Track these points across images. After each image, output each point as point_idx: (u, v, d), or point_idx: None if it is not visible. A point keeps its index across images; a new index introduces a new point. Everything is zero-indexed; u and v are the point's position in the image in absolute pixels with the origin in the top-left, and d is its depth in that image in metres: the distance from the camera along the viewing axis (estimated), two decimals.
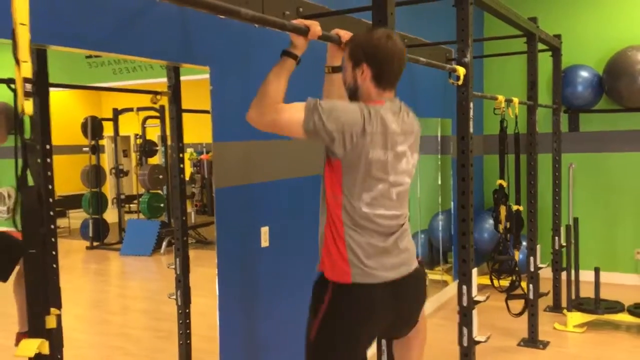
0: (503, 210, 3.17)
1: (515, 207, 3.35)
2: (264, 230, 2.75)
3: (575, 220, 4.08)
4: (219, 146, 2.52)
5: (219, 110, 2.51)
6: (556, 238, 4.32)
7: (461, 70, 2.57)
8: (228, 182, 2.56)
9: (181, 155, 2.74)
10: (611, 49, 4.84)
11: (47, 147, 2.01)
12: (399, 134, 1.74)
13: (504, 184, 3.19)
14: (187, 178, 4.95)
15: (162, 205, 5.35)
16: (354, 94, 1.80)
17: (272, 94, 1.65)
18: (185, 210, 2.72)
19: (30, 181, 0.96)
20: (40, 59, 1.96)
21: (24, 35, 0.92)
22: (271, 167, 2.83)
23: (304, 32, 1.66)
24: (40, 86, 1.95)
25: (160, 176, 5.40)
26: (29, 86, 0.92)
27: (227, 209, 2.54)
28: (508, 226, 3.26)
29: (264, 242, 2.75)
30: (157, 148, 5.52)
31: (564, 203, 4.64)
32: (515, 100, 3.34)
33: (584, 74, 4.87)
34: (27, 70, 0.92)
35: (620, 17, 4.93)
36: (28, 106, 0.91)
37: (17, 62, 0.91)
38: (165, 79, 2.64)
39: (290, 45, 1.71)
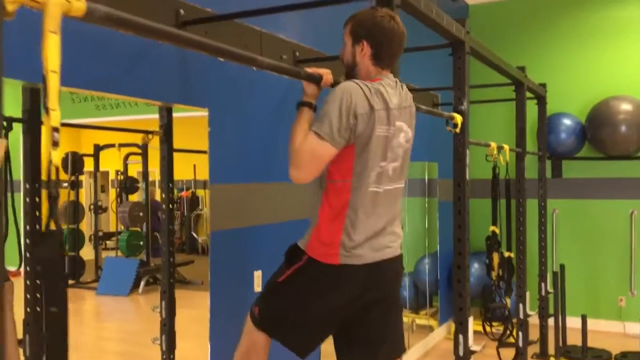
0: (496, 257, 3.17)
1: (507, 254, 3.35)
2: (257, 274, 2.70)
3: (562, 267, 4.10)
4: (216, 188, 2.48)
5: (216, 152, 2.48)
6: (542, 284, 4.32)
7: (458, 118, 2.59)
8: (223, 225, 2.51)
9: (171, 195, 2.70)
10: (594, 98, 4.96)
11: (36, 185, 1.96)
12: (397, 108, 1.75)
13: (497, 230, 3.19)
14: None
15: (141, 243, 5.24)
16: (351, 71, 1.80)
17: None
18: (173, 251, 2.66)
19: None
20: (33, 97, 1.93)
21: (54, 82, 0.88)
22: (266, 210, 2.80)
23: (317, 80, 1.66)
24: (32, 125, 1.92)
25: (141, 213, 5.31)
26: (57, 136, 0.88)
27: (221, 252, 2.49)
28: (500, 273, 3.26)
29: (257, 287, 2.69)
30: (139, 185, 5.44)
31: (548, 249, 4.67)
32: (506, 147, 3.38)
33: (567, 121, 4.97)
34: (56, 119, 0.88)
35: (603, 68, 5.07)
36: (55, 156, 0.87)
37: (47, 110, 0.87)
38: (148, 116, 2.61)
39: (304, 94, 1.72)
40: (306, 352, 1.85)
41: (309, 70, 1.69)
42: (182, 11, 2.20)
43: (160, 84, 2.21)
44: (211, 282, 2.44)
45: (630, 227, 4.96)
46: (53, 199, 0.87)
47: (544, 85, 4.41)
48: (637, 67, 4.96)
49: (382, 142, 1.70)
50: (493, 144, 3.15)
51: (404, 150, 1.81)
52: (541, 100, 4.44)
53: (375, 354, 1.89)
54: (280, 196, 2.87)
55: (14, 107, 1.83)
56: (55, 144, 0.87)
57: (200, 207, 5.18)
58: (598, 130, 4.80)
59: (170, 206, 2.68)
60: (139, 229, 5.23)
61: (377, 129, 1.67)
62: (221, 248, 2.49)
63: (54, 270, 0.86)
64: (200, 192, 4.97)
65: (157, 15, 2.06)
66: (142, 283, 4.37)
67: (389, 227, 1.81)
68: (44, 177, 0.84)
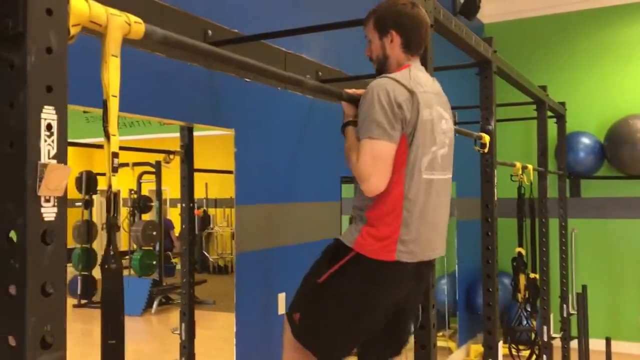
0: (522, 279, 3.12)
1: (532, 276, 3.30)
2: (281, 297, 2.65)
3: (584, 287, 4.03)
4: (242, 209, 2.45)
5: (242, 173, 2.45)
6: (564, 306, 4.25)
7: (486, 138, 2.56)
8: (249, 247, 2.48)
9: (192, 214, 2.68)
10: (612, 117, 4.92)
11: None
12: (433, 92, 1.71)
13: (523, 252, 3.14)
14: (177, 234, 4.85)
15: (154, 262, 5.20)
16: (383, 65, 1.76)
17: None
18: (193, 272, 2.63)
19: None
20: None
21: (115, 107, 0.85)
22: (289, 231, 2.76)
23: (357, 101, 1.64)
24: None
25: (154, 232, 5.28)
26: (116, 161, 0.85)
27: (246, 274, 2.45)
28: (527, 295, 3.20)
29: (281, 309, 2.64)
30: (152, 204, 5.42)
31: (568, 269, 4.60)
32: (530, 167, 3.34)
33: (586, 140, 4.93)
34: (115, 144, 0.85)
35: (621, 86, 5.04)
36: (115, 183, 0.84)
37: (107, 136, 0.84)
38: (162, 135, 2.59)
39: (345, 116, 1.70)
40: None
41: (349, 91, 1.66)
42: (209, 32, 2.19)
43: (189, 105, 2.20)
44: (237, 305, 2.40)
45: None
46: (114, 230, 0.85)
47: (563, 104, 4.38)
48: None
49: (429, 125, 1.65)
50: (518, 164, 3.11)
51: (449, 138, 1.76)
52: (561, 119, 4.40)
53: (397, 350, 1.87)
54: (303, 216, 2.84)
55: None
56: (114, 169, 0.84)
57: (211, 225, 5.15)
58: (617, 148, 4.76)
59: (191, 225, 2.65)
60: (151, 248, 5.21)
61: (423, 112, 1.62)
62: (246, 270, 2.45)
63: (116, 304, 0.83)
64: (211, 211, 4.94)
65: (186, 35, 2.04)
66: (155, 303, 4.32)
67: (442, 224, 1.75)
68: (107, 208, 0.81)
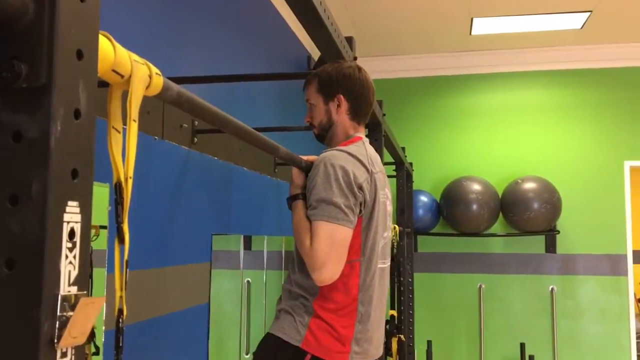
0: (395, 342, 3.08)
1: (402, 338, 3.29)
2: None
3: (429, 343, 4.16)
4: (111, 279, 2.07)
5: (114, 234, 2.08)
6: None
7: None
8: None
9: None
10: (448, 178, 5.27)
11: None
12: (382, 172, 1.58)
13: (395, 314, 3.12)
14: None
15: None
16: (326, 132, 1.60)
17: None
18: None
19: None
20: None
21: (129, 192, 0.59)
22: (160, 300, 2.42)
23: (308, 169, 1.45)
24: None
25: None
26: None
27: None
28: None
29: None
30: None
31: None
32: (396, 227, 3.38)
33: (424, 198, 5.20)
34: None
35: (456, 150, 5.44)
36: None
37: (122, 236, 0.57)
38: None
39: (294, 186, 1.48)
40: None
41: (305, 158, 1.47)
42: None
43: None
44: None
45: (479, 301, 5.26)
46: None
47: (411, 164, 4.59)
48: (483, 150, 5.41)
49: (383, 209, 1.51)
50: (395, 226, 3.13)
51: (390, 220, 1.63)
52: (409, 179, 4.59)
53: None
54: (175, 282, 2.52)
55: None
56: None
57: None
58: (452, 207, 5.08)
59: None
60: None
61: (379, 194, 1.48)
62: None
63: None
64: None
65: None
66: None
67: (384, 318, 1.60)
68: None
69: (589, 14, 4.38)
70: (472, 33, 4.84)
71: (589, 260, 5.15)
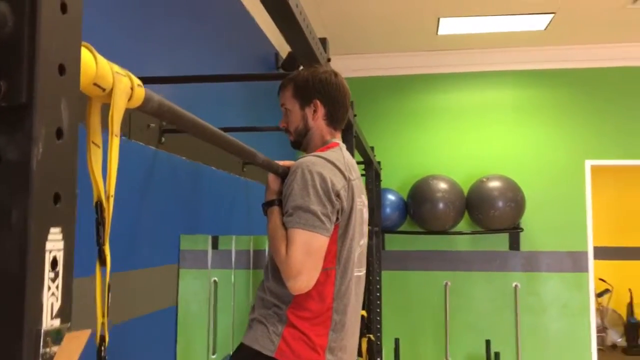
0: (365, 343, 3.08)
1: (372, 337, 3.29)
2: None
3: (397, 340, 4.18)
4: (78, 284, 2.01)
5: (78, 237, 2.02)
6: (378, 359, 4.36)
7: None
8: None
9: None
10: (415, 176, 5.31)
11: None
12: (359, 178, 1.57)
13: (365, 314, 3.11)
14: None
15: None
16: (302, 137, 1.57)
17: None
18: None
19: None
20: None
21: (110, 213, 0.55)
22: (126, 304, 2.36)
23: (285, 175, 1.42)
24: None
25: None
26: None
27: None
28: None
29: None
30: None
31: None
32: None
33: (391, 197, 5.22)
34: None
35: (423, 148, 5.47)
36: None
37: (103, 259, 0.53)
38: None
39: (270, 192, 1.44)
40: None
41: (282, 163, 1.44)
42: None
43: None
44: None
45: (445, 298, 5.31)
46: None
47: (379, 163, 4.60)
48: (449, 149, 5.46)
49: (359, 216, 1.49)
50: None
51: (366, 227, 1.62)
52: (377, 178, 4.60)
53: None
54: (142, 285, 2.46)
55: None
56: None
57: None
58: (418, 206, 5.11)
59: None
60: None
61: (356, 202, 1.46)
62: None
63: None
64: None
65: None
66: None
67: (358, 327, 1.59)
68: None
69: (552, 15, 4.46)
70: (439, 33, 4.87)
71: (551, 257, 5.25)
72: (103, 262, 0.54)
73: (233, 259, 3.84)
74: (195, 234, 2.97)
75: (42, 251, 0.43)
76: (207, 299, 3.22)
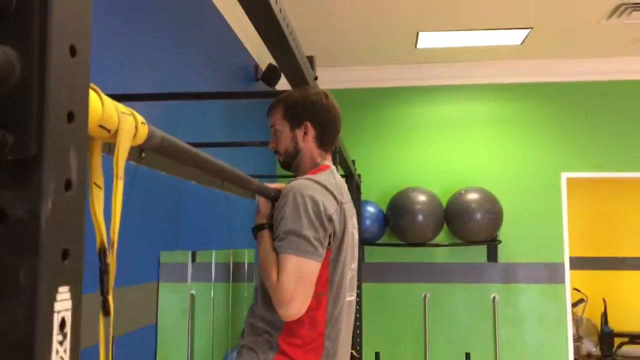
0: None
1: (354, 353, 3.26)
2: None
3: (377, 354, 4.16)
4: None
5: None
6: None
7: None
8: None
9: None
10: (394, 188, 5.31)
11: None
12: (350, 201, 1.55)
13: None
14: None
15: None
16: (292, 160, 1.55)
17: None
18: None
19: None
20: None
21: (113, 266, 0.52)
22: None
23: (276, 198, 1.40)
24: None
25: None
26: None
27: None
28: None
29: None
30: None
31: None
32: None
33: (371, 209, 5.22)
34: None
35: (402, 161, 5.49)
36: None
37: (107, 309, 0.50)
38: None
39: (260, 215, 1.41)
40: None
41: (271, 186, 1.41)
42: None
43: None
44: None
45: (424, 309, 5.32)
46: None
47: (359, 176, 4.59)
48: (428, 161, 5.48)
49: (351, 239, 1.47)
50: None
51: (357, 249, 1.60)
52: (358, 191, 4.59)
53: None
54: (119, 305, 2.40)
55: None
56: None
57: None
58: (398, 218, 5.12)
59: None
60: None
61: (348, 225, 1.44)
62: None
63: None
64: None
65: None
66: None
67: (349, 352, 1.56)
68: None
69: (529, 30, 4.52)
70: (418, 46, 4.90)
71: (528, 269, 5.30)
72: (107, 313, 0.51)
73: (213, 272, 3.79)
74: (175, 250, 2.92)
75: (50, 314, 0.40)
76: (187, 312, 3.17)
